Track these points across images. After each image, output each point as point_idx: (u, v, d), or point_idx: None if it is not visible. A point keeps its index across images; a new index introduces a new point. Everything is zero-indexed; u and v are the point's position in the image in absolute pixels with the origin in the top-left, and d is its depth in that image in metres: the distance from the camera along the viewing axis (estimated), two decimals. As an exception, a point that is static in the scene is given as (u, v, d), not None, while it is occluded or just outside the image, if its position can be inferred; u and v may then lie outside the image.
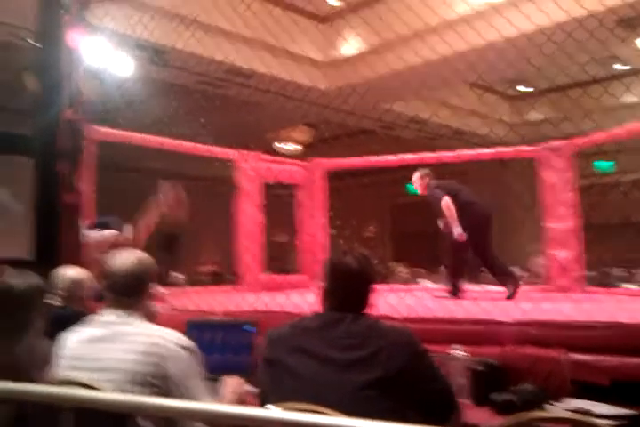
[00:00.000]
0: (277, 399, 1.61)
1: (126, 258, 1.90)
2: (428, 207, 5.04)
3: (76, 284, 2.67)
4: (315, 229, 6.45)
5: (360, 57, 7.83)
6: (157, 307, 2.03)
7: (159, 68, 7.22)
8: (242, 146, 6.45)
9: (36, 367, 1.86)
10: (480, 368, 2.14)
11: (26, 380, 1.77)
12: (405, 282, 8.00)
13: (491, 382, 2.14)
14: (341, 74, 8.18)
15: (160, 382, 1.70)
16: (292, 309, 2.64)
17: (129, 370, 1.70)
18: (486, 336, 2.39)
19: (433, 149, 6.64)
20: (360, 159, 6.64)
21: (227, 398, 1.97)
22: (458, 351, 2.16)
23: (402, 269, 8.62)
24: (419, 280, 8.38)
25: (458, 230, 4.26)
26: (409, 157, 6.33)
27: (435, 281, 8.63)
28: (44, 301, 1.97)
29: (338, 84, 8.34)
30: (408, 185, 13.89)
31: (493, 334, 2.43)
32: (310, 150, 11.80)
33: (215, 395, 2.01)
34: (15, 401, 1.65)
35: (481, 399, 2.07)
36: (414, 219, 13.45)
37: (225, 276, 9.37)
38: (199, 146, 5.78)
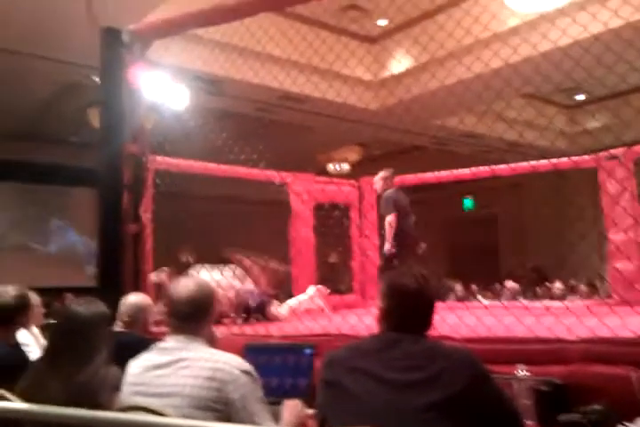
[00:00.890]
0: (336, 422, 1.62)
1: (186, 285, 1.96)
2: (482, 223, 5.01)
3: (138, 309, 2.75)
4: (368, 249, 6.44)
5: (410, 74, 7.85)
6: (217, 332, 2.08)
7: (215, 98, 7.44)
8: (295, 169, 6.56)
9: (104, 393, 1.91)
10: (545, 389, 2.07)
11: (94, 406, 1.85)
12: (461, 299, 7.87)
13: (557, 403, 2.07)
14: (392, 93, 8.22)
15: (222, 406, 1.73)
16: (348, 331, 2.63)
17: (191, 395, 1.74)
18: (551, 355, 2.31)
19: (487, 163, 6.55)
20: (413, 176, 6.61)
21: (287, 422, 1.98)
22: (521, 372, 2.10)
23: (458, 287, 8.47)
24: (474, 298, 8.24)
25: (387, 246, 4.83)
26: (462, 171, 6.25)
27: (490, 298, 8.47)
28: (109, 328, 2.03)
29: (389, 103, 8.38)
30: (464, 200, 13.71)
31: (558, 352, 2.35)
32: (361, 169, 11.83)
33: (276, 419, 2.03)
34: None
35: (547, 421, 2.00)
36: (468, 234, 13.29)
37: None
38: (254, 171, 5.89)
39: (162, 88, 5.16)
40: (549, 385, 2.09)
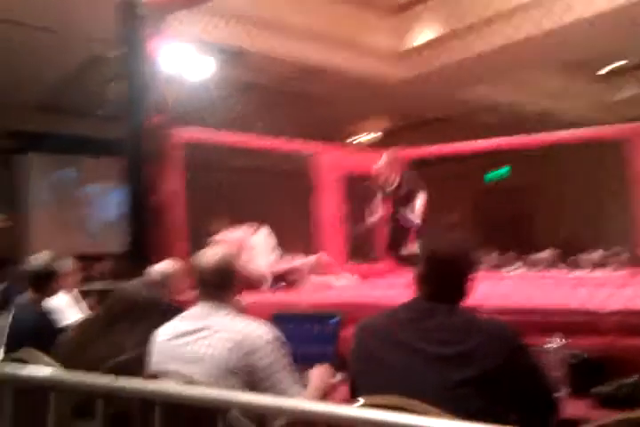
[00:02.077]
0: (368, 392, 1.59)
1: (214, 254, 1.95)
2: (517, 192, 4.93)
3: (165, 277, 2.75)
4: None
5: (437, 43, 7.65)
6: (243, 301, 2.06)
7: (237, 70, 7.36)
8: (321, 140, 6.48)
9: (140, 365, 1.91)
10: (578, 361, 2.02)
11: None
12: (495, 268, 7.78)
13: (590, 376, 2.01)
14: (419, 62, 8.03)
15: (248, 374, 1.73)
16: (377, 300, 2.60)
17: (217, 363, 1.73)
18: (585, 327, 2.23)
19: (517, 133, 6.41)
20: (440, 147, 6.48)
21: (314, 389, 1.97)
22: (555, 343, 2.05)
23: (493, 255, 8.37)
24: (507, 266, 8.14)
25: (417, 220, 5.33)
26: (492, 142, 6.11)
27: (525, 267, 8.37)
28: (161, 311, 2.05)
29: (416, 73, 8.20)
30: (498, 170, 13.42)
31: (593, 324, 2.28)
32: (388, 140, 11.69)
33: (302, 386, 2.01)
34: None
35: (580, 394, 1.95)
36: (502, 204, 13.09)
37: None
38: (280, 141, 5.84)
39: (183, 60, 5.12)
40: (583, 357, 2.04)
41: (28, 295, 2.92)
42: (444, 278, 1.68)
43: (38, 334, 2.72)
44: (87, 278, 7.28)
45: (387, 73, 7.70)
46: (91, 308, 4.79)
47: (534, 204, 13.11)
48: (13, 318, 2.85)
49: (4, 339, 2.81)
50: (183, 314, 1.92)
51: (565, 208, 11.76)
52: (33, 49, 6.75)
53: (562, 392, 1.94)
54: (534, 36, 5.63)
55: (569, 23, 4.85)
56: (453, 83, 8.21)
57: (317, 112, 9.98)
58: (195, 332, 1.82)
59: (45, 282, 2.90)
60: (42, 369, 1.75)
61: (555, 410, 1.62)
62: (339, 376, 2.10)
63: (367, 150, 6.90)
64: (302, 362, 2.34)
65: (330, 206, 5.94)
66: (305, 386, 2.00)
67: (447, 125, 11.30)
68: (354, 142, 12.11)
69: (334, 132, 11.32)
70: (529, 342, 2.12)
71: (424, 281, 1.70)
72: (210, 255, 1.95)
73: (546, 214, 12.57)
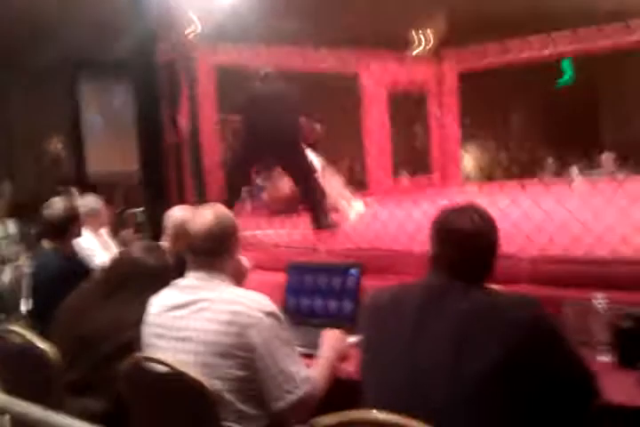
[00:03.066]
0: (374, 377, 1.43)
1: (204, 217, 1.74)
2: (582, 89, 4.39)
3: (183, 222, 2.60)
4: (448, 130, 6.00)
5: None
6: (247, 263, 1.88)
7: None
8: (373, 44, 5.98)
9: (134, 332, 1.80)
10: (628, 324, 1.76)
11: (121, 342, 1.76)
12: (554, 175, 7.33)
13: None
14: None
15: (244, 352, 1.57)
16: (399, 245, 2.35)
17: (211, 341, 1.58)
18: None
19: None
20: (498, 53, 5.83)
21: (325, 355, 1.81)
22: (601, 301, 1.79)
23: (549, 161, 7.86)
24: (569, 172, 7.64)
25: None
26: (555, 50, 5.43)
27: (587, 170, 7.86)
28: (166, 279, 1.86)
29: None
30: (562, 64, 12.47)
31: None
32: (447, 43, 10.87)
33: (315, 344, 1.87)
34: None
35: (628, 361, 1.71)
36: (566, 102, 12.21)
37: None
38: (323, 54, 5.41)
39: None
40: (633, 319, 1.77)
41: (48, 243, 2.85)
42: (459, 258, 1.44)
43: (64, 280, 2.68)
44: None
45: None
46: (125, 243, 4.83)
47: (600, 101, 12.21)
48: (36, 267, 2.81)
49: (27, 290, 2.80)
50: (176, 283, 1.76)
51: (631, 107, 10.89)
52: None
53: (606, 358, 1.72)
54: None
55: None
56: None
57: (370, 13, 9.26)
58: (187, 305, 1.66)
59: (63, 230, 2.81)
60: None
61: (593, 396, 1.40)
62: (353, 339, 1.93)
63: (414, 63, 6.31)
64: (319, 317, 2.21)
65: (375, 120, 5.60)
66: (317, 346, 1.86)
67: (514, 26, 10.32)
68: (410, 51, 11.32)
69: (389, 35, 10.57)
70: (572, 296, 1.90)
71: (438, 260, 1.47)
72: (201, 218, 1.74)
73: (610, 113, 11.72)
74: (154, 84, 2.95)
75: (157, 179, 2.88)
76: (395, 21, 10.07)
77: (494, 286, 1.59)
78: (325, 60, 5.43)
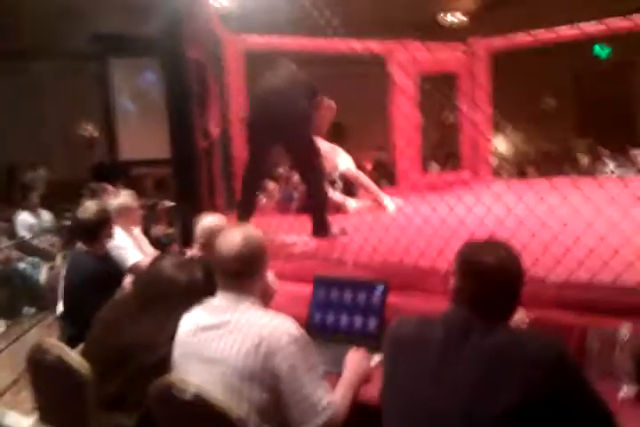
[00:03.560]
0: (392, 413, 1.46)
1: (233, 238, 1.77)
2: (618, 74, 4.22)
3: (212, 231, 2.64)
4: (477, 122, 5.90)
5: None
6: (275, 284, 1.92)
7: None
8: (404, 22, 5.85)
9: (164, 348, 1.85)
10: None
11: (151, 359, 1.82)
12: (586, 171, 7.17)
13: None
14: None
15: (269, 377, 1.61)
16: (424, 263, 2.36)
17: (237, 365, 1.63)
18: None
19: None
20: (531, 36, 5.67)
21: (349, 378, 1.85)
22: (625, 332, 1.79)
23: (583, 159, 7.71)
24: (604, 165, 7.49)
25: None
26: (590, 27, 5.24)
27: (622, 163, 7.69)
28: (198, 297, 1.89)
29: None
30: (596, 47, 12.09)
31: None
32: (480, 21, 10.63)
33: (339, 364, 1.91)
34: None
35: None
36: (600, 88, 11.87)
37: (388, 168, 9.24)
38: (350, 41, 5.35)
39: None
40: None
41: (81, 245, 2.93)
42: (481, 293, 1.44)
43: (96, 283, 2.77)
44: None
45: None
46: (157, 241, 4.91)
47: (637, 87, 11.81)
48: (69, 269, 2.89)
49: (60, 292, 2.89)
50: (206, 302, 1.80)
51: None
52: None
53: (628, 391, 1.72)
54: None
55: None
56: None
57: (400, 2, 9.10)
58: (215, 327, 1.71)
59: (95, 233, 2.89)
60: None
61: None
62: (377, 358, 1.96)
63: (448, 44, 6.17)
64: (345, 333, 2.24)
65: (404, 111, 5.51)
66: (341, 365, 1.90)
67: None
68: (441, 24, 11.10)
69: (419, 12, 10.37)
70: (597, 323, 1.90)
71: (462, 295, 1.48)
72: (230, 239, 1.78)
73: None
74: (183, 71, 2.90)
75: (189, 184, 2.91)
76: (423, 5, 9.92)
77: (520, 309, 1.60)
78: (352, 48, 5.36)
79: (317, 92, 3.45)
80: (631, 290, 1.92)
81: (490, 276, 1.45)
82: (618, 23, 5.13)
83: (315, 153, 3.25)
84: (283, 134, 3.11)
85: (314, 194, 3.31)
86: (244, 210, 3.20)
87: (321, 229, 3.23)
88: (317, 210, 3.26)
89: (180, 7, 2.90)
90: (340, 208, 4.31)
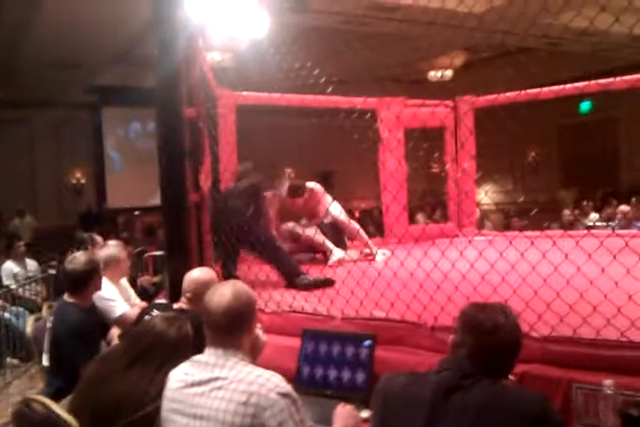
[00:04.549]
0: None
1: (222, 294, 1.80)
2: (601, 129, 4.36)
3: (200, 285, 2.66)
4: (462, 176, 6.04)
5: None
6: (263, 337, 1.93)
7: (298, 15, 6.96)
8: (393, 80, 6.07)
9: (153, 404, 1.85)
10: (636, 412, 1.78)
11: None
12: (570, 226, 7.29)
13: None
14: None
15: (259, 433, 1.62)
16: (411, 317, 2.39)
17: (226, 421, 1.63)
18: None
19: (605, 62, 5.72)
20: (514, 94, 5.90)
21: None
22: (609, 387, 1.81)
23: (566, 212, 7.86)
24: (587, 220, 7.63)
25: None
26: (575, 85, 5.47)
27: (604, 220, 7.83)
28: (188, 351, 1.93)
29: (495, 4, 7.47)
30: (581, 104, 12.49)
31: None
32: (465, 75, 11.04)
33: (329, 420, 1.91)
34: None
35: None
36: (585, 142, 12.21)
37: (374, 212, 9.38)
38: (339, 98, 5.53)
39: (235, 18, 4.80)
40: (641, 407, 1.79)
41: (68, 296, 2.94)
42: (478, 350, 1.51)
43: (81, 336, 2.76)
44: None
45: (467, 5, 7.06)
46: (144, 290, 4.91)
47: (620, 142, 12.16)
48: (55, 321, 2.88)
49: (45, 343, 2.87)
50: (194, 359, 1.81)
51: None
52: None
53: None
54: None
55: None
56: (538, 10, 7.44)
57: (389, 52, 9.46)
58: (204, 383, 1.72)
59: (83, 284, 2.90)
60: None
61: None
62: (365, 413, 1.97)
63: (433, 102, 6.38)
64: (333, 388, 2.25)
65: (391, 166, 5.65)
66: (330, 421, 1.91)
67: (530, 57, 10.47)
68: (428, 81, 11.49)
69: (408, 70, 10.76)
70: (580, 380, 1.92)
71: (457, 349, 1.55)
72: (219, 295, 1.80)
73: (632, 154, 11.66)
74: (177, 124, 2.97)
75: (179, 237, 2.95)
76: (412, 61, 10.30)
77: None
78: (341, 104, 5.52)
79: (258, 192, 3.79)
80: (614, 344, 1.96)
81: (486, 337, 1.52)
82: (597, 84, 5.36)
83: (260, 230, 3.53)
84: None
85: (273, 261, 3.56)
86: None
87: (293, 276, 3.45)
88: (281, 264, 3.50)
89: (179, 62, 3.00)
90: (318, 249, 4.44)
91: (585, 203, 9.01)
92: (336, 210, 4.67)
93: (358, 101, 5.67)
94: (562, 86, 5.58)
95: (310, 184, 4.63)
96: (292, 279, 3.45)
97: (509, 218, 9.18)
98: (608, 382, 1.82)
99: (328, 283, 3.33)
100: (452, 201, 6.23)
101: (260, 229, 3.52)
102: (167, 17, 3.07)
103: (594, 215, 8.22)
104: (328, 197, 4.73)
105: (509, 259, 2.46)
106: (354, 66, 9.11)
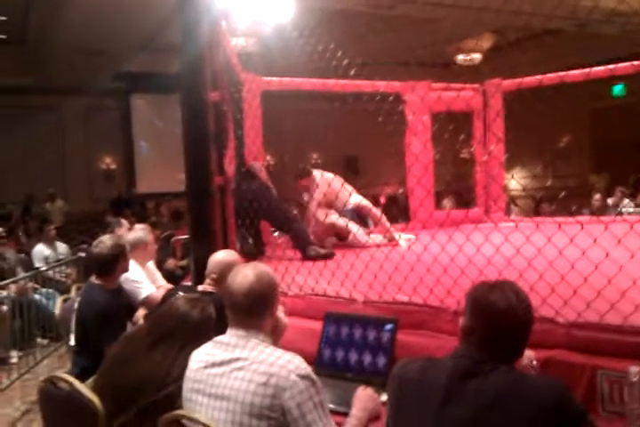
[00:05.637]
0: None
1: (245, 275, 1.81)
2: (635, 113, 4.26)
3: (224, 266, 2.68)
4: (489, 160, 5.95)
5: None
6: (285, 320, 1.94)
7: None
8: (421, 64, 5.98)
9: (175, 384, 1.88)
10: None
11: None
12: (600, 211, 7.14)
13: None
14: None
15: (277, 415, 1.62)
16: (434, 301, 2.37)
17: (246, 401, 1.64)
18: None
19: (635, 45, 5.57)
20: (542, 77, 5.78)
21: (357, 417, 1.86)
22: (635, 374, 1.78)
23: (596, 196, 7.69)
24: (620, 206, 7.46)
25: None
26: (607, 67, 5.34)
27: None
28: (210, 332, 1.95)
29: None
30: (613, 87, 12.19)
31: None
32: (494, 58, 10.84)
33: (348, 403, 1.92)
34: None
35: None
36: (617, 126, 11.92)
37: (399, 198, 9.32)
38: (363, 82, 5.48)
39: (259, 2, 4.78)
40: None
41: (95, 279, 2.98)
42: (489, 334, 1.46)
43: (107, 318, 2.80)
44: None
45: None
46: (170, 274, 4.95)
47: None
48: (81, 302, 2.92)
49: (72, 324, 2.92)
50: (216, 339, 1.83)
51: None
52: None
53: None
54: None
55: None
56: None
57: (417, 34, 9.33)
58: (225, 363, 1.73)
59: (109, 268, 2.94)
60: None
61: None
62: (384, 397, 1.97)
63: (460, 85, 6.28)
64: (354, 371, 2.25)
65: (417, 151, 5.59)
66: (349, 404, 1.91)
67: (557, 39, 10.23)
68: (457, 63, 11.32)
69: (436, 53, 10.60)
70: (607, 366, 1.89)
71: (471, 335, 1.50)
72: (242, 276, 1.81)
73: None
74: (202, 109, 2.98)
75: (204, 220, 2.96)
76: (439, 44, 10.14)
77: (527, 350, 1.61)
78: (365, 87, 5.47)
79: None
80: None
81: (498, 317, 1.47)
82: (629, 66, 5.22)
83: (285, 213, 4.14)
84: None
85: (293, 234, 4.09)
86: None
87: (305, 245, 3.95)
88: (300, 240, 4.01)
89: (203, 47, 3.00)
90: (341, 234, 4.52)
91: (620, 188, 8.79)
92: (357, 198, 4.69)
93: (386, 85, 5.63)
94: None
95: (328, 175, 4.65)
96: (304, 248, 3.99)
97: (539, 203, 9.04)
98: (634, 368, 1.79)
99: (329, 255, 3.85)
100: (478, 185, 6.16)
101: (282, 207, 4.14)
102: (191, 1, 3.06)
103: (627, 201, 8.03)
104: (347, 187, 4.72)
105: (537, 244, 2.42)
106: (381, 49, 9.02)
